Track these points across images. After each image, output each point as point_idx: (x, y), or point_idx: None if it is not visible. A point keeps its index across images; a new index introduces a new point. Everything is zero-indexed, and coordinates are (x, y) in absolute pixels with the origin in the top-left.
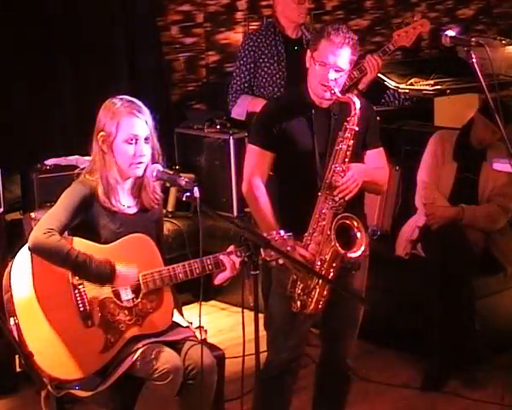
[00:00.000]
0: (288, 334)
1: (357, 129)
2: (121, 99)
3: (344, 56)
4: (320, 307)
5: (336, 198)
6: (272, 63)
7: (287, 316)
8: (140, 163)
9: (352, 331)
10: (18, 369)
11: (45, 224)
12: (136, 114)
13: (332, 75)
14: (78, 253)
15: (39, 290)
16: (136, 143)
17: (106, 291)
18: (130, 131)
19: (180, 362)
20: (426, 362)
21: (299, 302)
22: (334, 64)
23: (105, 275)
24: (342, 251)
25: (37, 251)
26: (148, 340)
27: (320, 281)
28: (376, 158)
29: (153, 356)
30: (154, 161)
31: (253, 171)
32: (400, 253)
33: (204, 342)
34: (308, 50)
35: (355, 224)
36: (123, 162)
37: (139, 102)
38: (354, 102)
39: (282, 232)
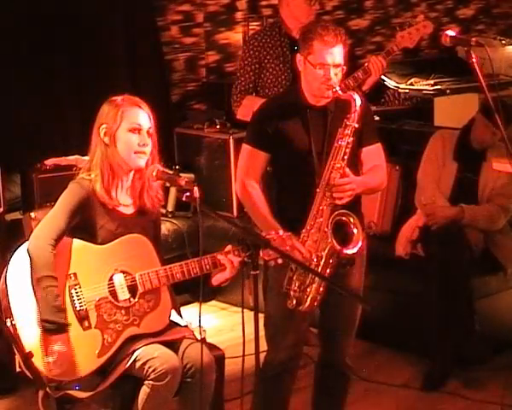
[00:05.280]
0: (285, 333)
1: (357, 126)
2: (122, 96)
3: (340, 52)
4: (316, 304)
5: (334, 195)
6: (277, 64)
7: (284, 315)
8: (143, 153)
9: (350, 330)
10: (18, 369)
11: (48, 232)
12: (139, 105)
13: (333, 73)
14: (50, 285)
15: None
16: (139, 132)
17: (102, 291)
18: (134, 120)
19: (178, 363)
20: (426, 362)
21: (294, 299)
22: (333, 63)
23: (53, 323)
24: (338, 247)
25: (30, 257)
26: (145, 340)
27: (316, 278)
28: (374, 155)
29: (151, 357)
30: (153, 160)
31: (247, 170)
32: (400, 253)
33: (203, 341)
34: (299, 54)
35: (351, 220)
36: (126, 152)
37: (138, 98)
38: (355, 100)
39: (280, 232)
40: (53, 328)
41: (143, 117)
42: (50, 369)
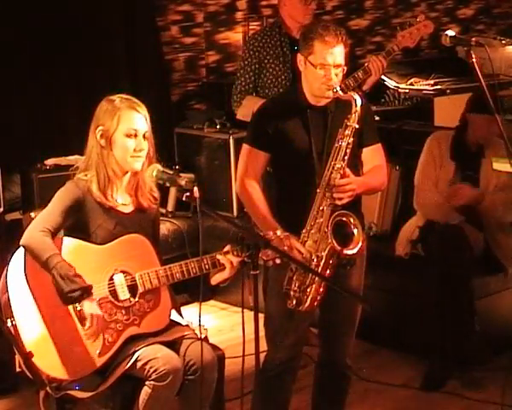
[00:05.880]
0: (285, 333)
1: (357, 126)
2: (119, 96)
3: (340, 52)
4: (316, 304)
5: (334, 196)
6: (277, 64)
7: (284, 315)
8: (138, 157)
9: (350, 330)
10: (18, 369)
11: (40, 223)
12: (136, 108)
13: (333, 74)
14: (60, 261)
15: (36, 291)
16: (135, 137)
17: (103, 291)
18: (131, 125)
19: (180, 363)
20: (426, 362)
21: (294, 300)
22: (334, 63)
23: (74, 289)
24: (339, 248)
25: (26, 249)
26: (146, 340)
27: (316, 278)
28: (374, 155)
29: (152, 357)
30: (150, 161)
31: (246, 170)
32: (400, 253)
33: (205, 340)
34: (299, 54)
35: (351, 221)
36: (122, 156)
37: (136, 99)
38: (355, 100)
39: (278, 232)
40: (78, 294)
41: (140, 121)
42: (51, 368)
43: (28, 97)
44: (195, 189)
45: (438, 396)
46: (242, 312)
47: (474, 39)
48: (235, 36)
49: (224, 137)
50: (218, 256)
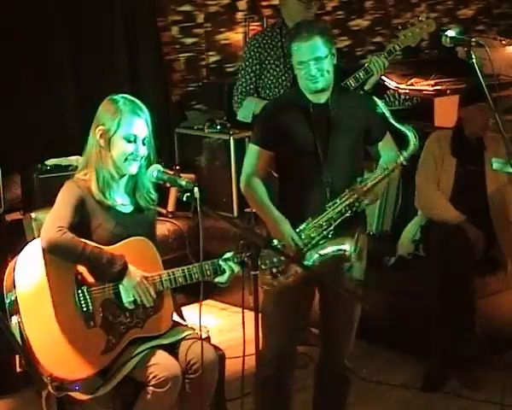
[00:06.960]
0: (276, 330)
1: (406, 164)
2: (123, 97)
3: (316, 45)
4: (298, 279)
5: (367, 201)
6: (278, 65)
7: (276, 312)
8: (134, 161)
9: (349, 331)
10: (18, 369)
11: (54, 223)
12: (138, 113)
13: (313, 68)
14: (92, 248)
15: (49, 290)
16: (134, 142)
17: (108, 293)
18: (131, 130)
19: (179, 370)
20: (426, 362)
21: (277, 274)
22: (311, 57)
23: (117, 269)
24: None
25: (53, 250)
26: (148, 343)
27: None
28: (387, 143)
29: (152, 363)
30: (149, 163)
31: (251, 168)
32: (403, 253)
33: (207, 340)
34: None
35: None
36: (118, 158)
37: (139, 102)
38: (409, 136)
39: (275, 241)
40: (122, 274)
41: (140, 126)
42: (55, 367)
43: (28, 97)
44: (196, 189)
45: (438, 396)
46: (242, 312)
47: (474, 40)
48: (235, 36)
49: (224, 137)
50: (221, 262)
